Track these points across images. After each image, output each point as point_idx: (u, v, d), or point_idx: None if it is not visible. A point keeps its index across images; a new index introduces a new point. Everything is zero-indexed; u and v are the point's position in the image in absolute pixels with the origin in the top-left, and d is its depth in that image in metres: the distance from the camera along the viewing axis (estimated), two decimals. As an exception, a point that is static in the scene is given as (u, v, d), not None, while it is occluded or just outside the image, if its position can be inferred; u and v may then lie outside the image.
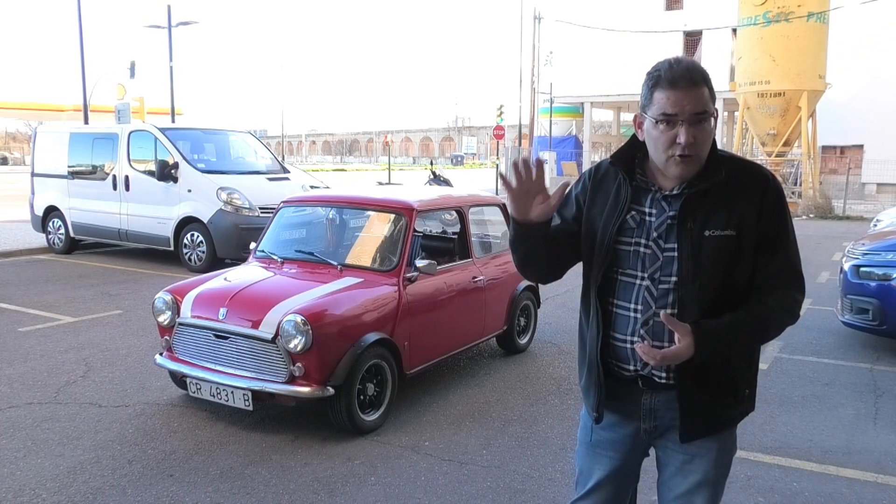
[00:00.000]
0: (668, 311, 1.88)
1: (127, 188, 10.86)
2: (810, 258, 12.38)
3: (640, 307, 1.93)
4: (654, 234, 1.92)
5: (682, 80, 1.82)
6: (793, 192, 22.87)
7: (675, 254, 1.89)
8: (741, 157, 2.05)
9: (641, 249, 1.93)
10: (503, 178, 1.93)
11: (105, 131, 11.58)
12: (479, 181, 37.02)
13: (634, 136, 2.00)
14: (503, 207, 6.44)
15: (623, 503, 2.19)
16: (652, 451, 2.13)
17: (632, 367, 1.97)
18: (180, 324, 4.57)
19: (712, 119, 1.87)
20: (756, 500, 3.67)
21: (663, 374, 1.94)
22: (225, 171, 10.66)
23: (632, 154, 1.99)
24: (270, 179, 10.99)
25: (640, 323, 1.93)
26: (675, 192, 1.91)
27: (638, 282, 1.94)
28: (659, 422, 1.99)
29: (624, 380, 2.00)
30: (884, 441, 4.43)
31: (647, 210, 1.94)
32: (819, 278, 10.32)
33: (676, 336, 1.82)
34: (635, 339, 1.93)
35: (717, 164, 1.90)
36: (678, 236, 1.89)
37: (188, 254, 10.29)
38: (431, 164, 33.38)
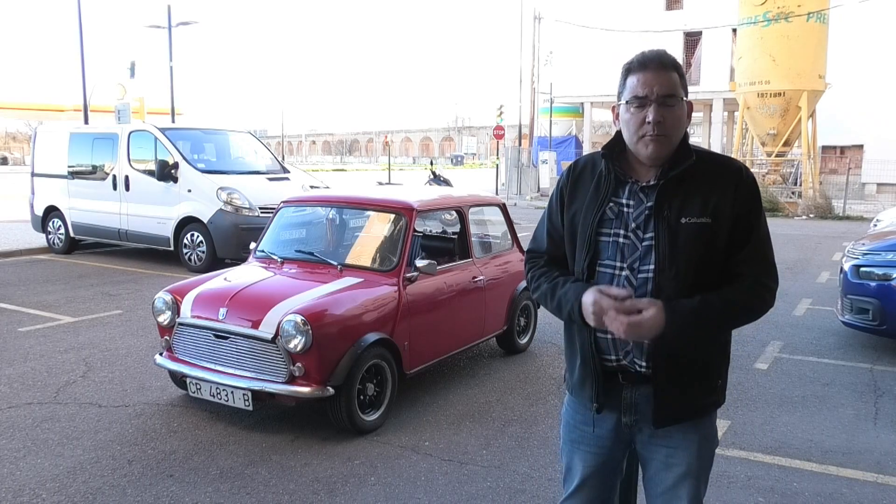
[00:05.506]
0: (646, 299, 1.90)
1: (127, 188, 10.86)
2: (810, 258, 12.38)
3: None
4: (633, 225, 1.96)
5: (651, 63, 1.91)
6: (793, 192, 22.87)
7: (653, 242, 1.92)
8: (715, 152, 2.10)
9: (621, 240, 1.96)
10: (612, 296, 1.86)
11: (105, 131, 11.57)
12: (479, 181, 37.01)
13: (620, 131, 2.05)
14: (503, 207, 6.45)
15: (611, 497, 2.22)
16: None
17: (613, 357, 2.01)
18: (180, 324, 4.57)
19: (683, 105, 1.92)
20: (756, 500, 3.67)
21: (643, 364, 1.96)
22: (225, 171, 10.66)
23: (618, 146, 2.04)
24: (270, 179, 10.99)
25: None
26: (651, 182, 1.95)
27: (617, 272, 1.97)
28: (640, 415, 2.02)
29: (607, 374, 2.02)
30: (884, 441, 4.43)
31: (624, 202, 1.98)
32: (819, 278, 10.32)
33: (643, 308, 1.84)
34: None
35: (688, 151, 1.96)
36: (655, 225, 1.92)
37: (188, 254, 10.29)
38: (431, 164, 33.32)
